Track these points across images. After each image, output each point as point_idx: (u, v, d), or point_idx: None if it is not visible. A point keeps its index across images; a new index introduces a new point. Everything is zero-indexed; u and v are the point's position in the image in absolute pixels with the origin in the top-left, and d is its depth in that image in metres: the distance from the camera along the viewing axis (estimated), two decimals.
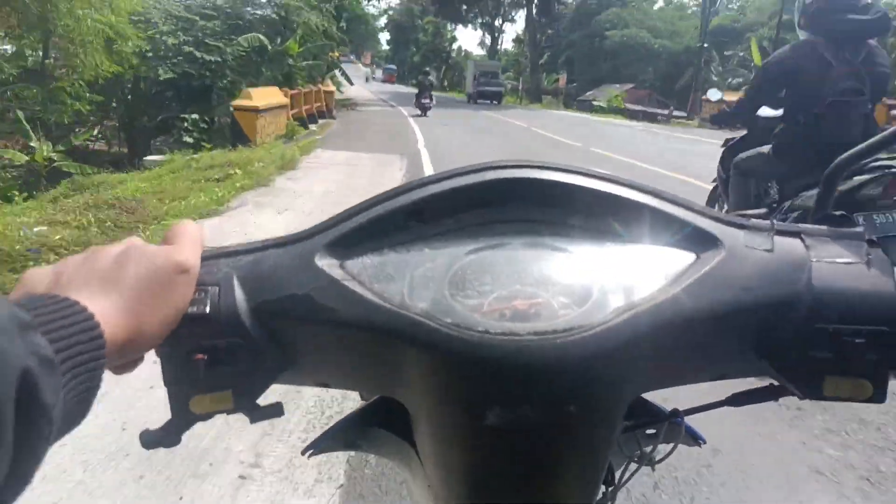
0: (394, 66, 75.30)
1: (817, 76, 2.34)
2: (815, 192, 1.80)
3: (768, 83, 2.60)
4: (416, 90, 19.50)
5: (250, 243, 0.42)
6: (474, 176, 0.42)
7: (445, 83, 60.92)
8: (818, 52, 2.34)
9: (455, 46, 65.52)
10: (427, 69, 21.18)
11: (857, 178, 2.10)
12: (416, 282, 0.39)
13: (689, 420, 0.51)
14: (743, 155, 2.91)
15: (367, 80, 71.21)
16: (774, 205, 2.69)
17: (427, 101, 17.93)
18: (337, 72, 20.15)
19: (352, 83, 24.66)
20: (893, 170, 2.05)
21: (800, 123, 2.46)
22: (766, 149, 2.70)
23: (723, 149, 3.40)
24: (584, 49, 39.46)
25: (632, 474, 0.51)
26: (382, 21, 64.67)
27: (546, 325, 0.36)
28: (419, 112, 18.08)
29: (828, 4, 2.34)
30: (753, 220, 0.42)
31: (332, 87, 15.07)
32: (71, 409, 0.29)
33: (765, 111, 2.95)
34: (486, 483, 0.39)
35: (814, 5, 2.39)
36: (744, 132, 3.26)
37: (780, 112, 2.73)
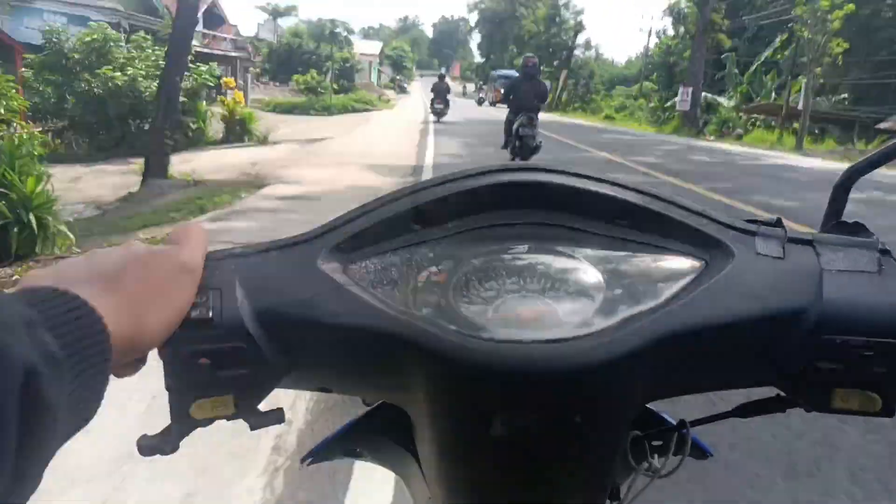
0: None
1: (518, 88, 8.89)
2: (520, 121, 8.51)
3: (508, 91, 9.17)
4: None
5: (253, 245, 0.42)
6: (480, 179, 0.42)
7: (563, 97, 40.63)
8: (520, 81, 9.05)
9: (581, 40, 46.46)
10: (443, 71, 19.91)
11: (519, 119, 8.54)
12: (420, 287, 0.39)
13: (696, 432, 0.49)
14: (507, 115, 9.08)
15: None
16: (512, 132, 8.63)
17: (441, 106, 19.02)
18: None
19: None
20: (528, 116, 8.50)
21: (513, 100, 8.88)
22: (510, 111, 9.06)
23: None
24: (846, 32, 20.11)
25: (643, 489, 0.48)
26: (473, 18, 47.52)
27: (551, 333, 0.36)
28: (435, 118, 19.20)
29: (523, 63, 9.26)
30: (764, 227, 0.42)
31: None
32: (79, 408, 0.29)
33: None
34: (489, 493, 0.39)
35: (522, 65, 9.28)
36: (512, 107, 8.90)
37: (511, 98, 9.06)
